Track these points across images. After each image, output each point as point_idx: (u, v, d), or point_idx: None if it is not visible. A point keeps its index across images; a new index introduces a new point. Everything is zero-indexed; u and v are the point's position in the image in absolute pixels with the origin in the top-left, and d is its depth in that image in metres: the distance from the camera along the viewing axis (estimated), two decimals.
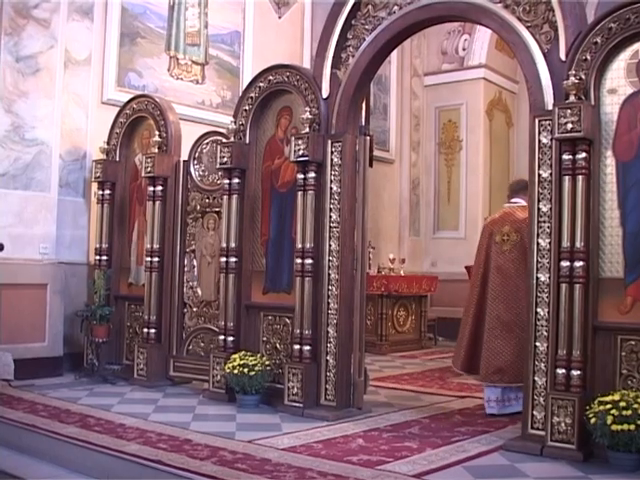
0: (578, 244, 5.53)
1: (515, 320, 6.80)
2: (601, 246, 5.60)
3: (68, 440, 5.79)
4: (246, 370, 7.05)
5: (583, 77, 5.61)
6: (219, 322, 7.79)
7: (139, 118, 9.16)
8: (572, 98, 5.55)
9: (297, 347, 7.05)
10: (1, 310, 8.23)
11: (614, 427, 5.07)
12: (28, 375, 8.18)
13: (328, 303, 6.98)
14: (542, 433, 5.57)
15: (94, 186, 9.41)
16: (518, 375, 6.50)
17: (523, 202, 7.00)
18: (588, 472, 5.10)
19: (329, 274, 6.99)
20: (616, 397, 5.19)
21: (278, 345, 7.43)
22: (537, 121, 5.83)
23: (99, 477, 5.38)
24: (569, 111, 5.50)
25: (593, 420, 5.21)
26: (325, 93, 7.16)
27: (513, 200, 7.34)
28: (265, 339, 7.53)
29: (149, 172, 8.53)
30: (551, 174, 5.71)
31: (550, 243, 5.68)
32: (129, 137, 9.33)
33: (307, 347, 6.99)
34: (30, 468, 5.73)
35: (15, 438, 6.22)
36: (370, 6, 7.00)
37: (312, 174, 7.06)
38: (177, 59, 10.88)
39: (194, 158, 8.53)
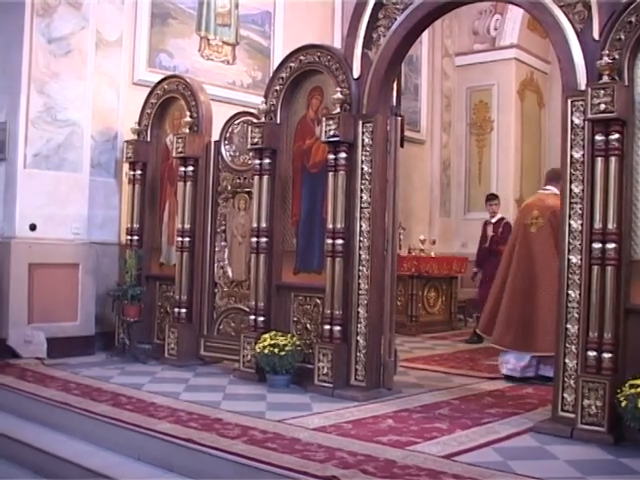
0: (610, 226, 5.47)
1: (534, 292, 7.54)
2: (634, 228, 5.52)
3: (100, 418, 5.85)
4: (276, 350, 7.08)
5: (617, 57, 5.52)
6: (250, 302, 7.81)
7: (170, 99, 9.17)
8: (605, 78, 5.47)
9: (327, 327, 7.06)
10: (34, 289, 8.35)
11: None
12: (61, 354, 8.29)
13: (359, 284, 6.98)
14: (572, 416, 5.53)
15: (125, 166, 9.46)
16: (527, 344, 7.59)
17: (556, 190, 7.47)
18: (618, 455, 5.07)
19: (360, 255, 6.99)
20: None
21: (308, 325, 7.44)
22: (569, 102, 5.76)
23: (130, 455, 5.44)
24: (602, 91, 5.42)
25: (624, 403, 5.17)
26: (356, 73, 7.12)
27: (547, 187, 8.12)
28: (295, 319, 7.55)
29: (180, 152, 8.55)
30: (583, 155, 5.64)
31: (582, 225, 5.62)
32: (160, 118, 9.35)
33: (337, 327, 7.00)
34: (63, 445, 5.79)
35: (48, 416, 6.31)
36: None
37: (343, 154, 7.04)
38: (208, 40, 10.87)
39: (225, 138, 8.55)
